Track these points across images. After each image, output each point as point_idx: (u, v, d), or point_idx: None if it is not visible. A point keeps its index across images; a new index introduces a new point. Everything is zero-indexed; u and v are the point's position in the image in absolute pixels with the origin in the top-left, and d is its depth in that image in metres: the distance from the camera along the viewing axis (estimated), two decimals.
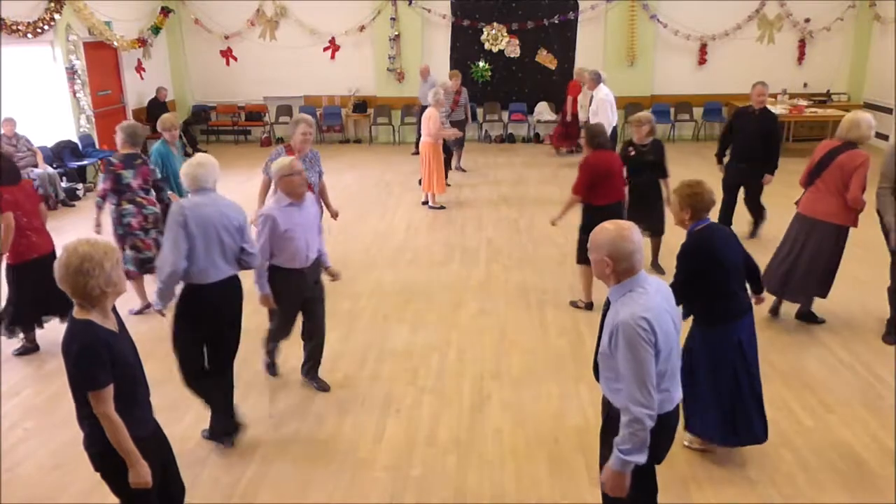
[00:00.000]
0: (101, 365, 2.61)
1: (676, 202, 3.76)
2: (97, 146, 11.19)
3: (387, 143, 14.22)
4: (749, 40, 13.39)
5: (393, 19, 13.36)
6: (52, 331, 5.93)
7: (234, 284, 4.19)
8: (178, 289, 4.05)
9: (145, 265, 6.02)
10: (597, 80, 9.24)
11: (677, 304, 3.17)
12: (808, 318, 5.76)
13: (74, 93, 10.88)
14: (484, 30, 13.50)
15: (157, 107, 12.86)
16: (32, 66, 10.32)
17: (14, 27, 9.50)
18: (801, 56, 13.49)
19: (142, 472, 2.73)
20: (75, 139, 10.86)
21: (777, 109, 12.42)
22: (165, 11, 13.37)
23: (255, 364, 5.30)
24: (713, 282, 3.72)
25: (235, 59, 14.05)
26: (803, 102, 12.78)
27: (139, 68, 12.98)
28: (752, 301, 4.02)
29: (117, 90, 12.50)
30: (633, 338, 2.58)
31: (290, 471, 4.05)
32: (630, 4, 13.07)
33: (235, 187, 10.76)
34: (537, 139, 13.86)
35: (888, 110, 12.27)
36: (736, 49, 13.36)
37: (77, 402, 2.73)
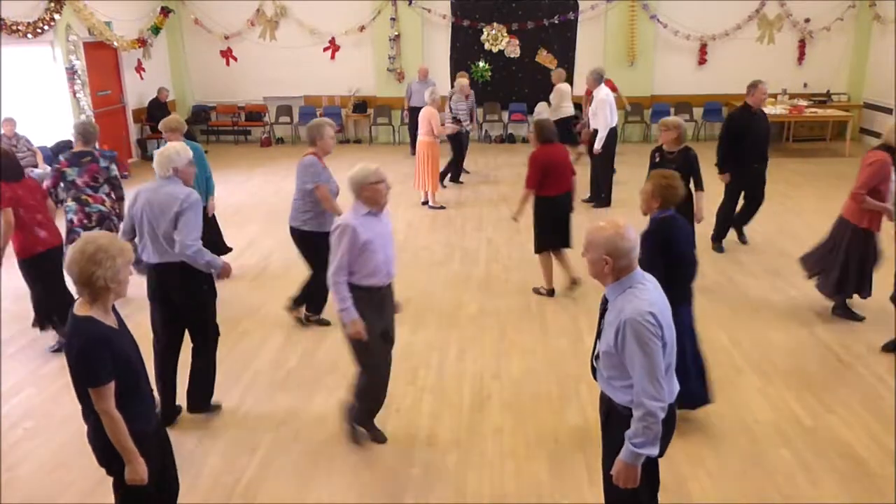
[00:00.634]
0: (101, 361, 2.63)
1: (649, 190, 4.03)
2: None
3: (387, 144, 14.22)
4: (749, 40, 13.39)
5: (393, 19, 13.37)
6: (53, 332, 5.94)
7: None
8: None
9: None
10: (598, 80, 9.23)
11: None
12: (844, 313, 5.81)
13: (74, 93, 10.88)
14: (484, 30, 13.50)
15: (157, 107, 12.88)
16: (32, 66, 10.33)
17: (14, 27, 9.51)
18: (801, 56, 13.48)
19: (138, 470, 2.75)
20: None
21: (777, 109, 12.43)
22: (165, 11, 13.37)
23: (255, 364, 5.31)
24: (670, 266, 3.90)
25: (235, 59, 14.06)
26: (803, 102, 12.78)
27: (139, 68, 12.99)
28: None
29: (117, 90, 12.51)
30: (642, 333, 2.61)
31: (290, 471, 4.05)
32: (630, 4, 13.07)
33: (235, 188, 10.77)
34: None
35: (888, 110, 12.26)
36: (736, 49, 13.36)
37: (80, 398, 2.74)
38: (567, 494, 3.78)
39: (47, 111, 10.53)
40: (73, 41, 10.82)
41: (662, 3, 13.21)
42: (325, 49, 13.85)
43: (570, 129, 11.08)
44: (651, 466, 2.95)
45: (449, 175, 10.56)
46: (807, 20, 13.21)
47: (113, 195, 6.06)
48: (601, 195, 9.28)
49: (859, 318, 5.76)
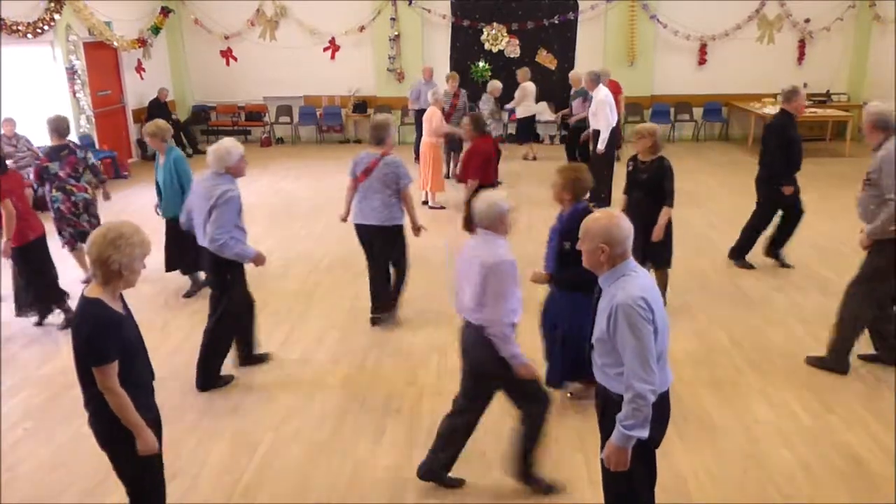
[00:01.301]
0: (108, 340, 2.70)
1: (559, 183, 4.27)
2: (97, 146, 11.19)
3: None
4: (749, 40, 13.39)
5: (393, 19, 13.37)
6: (53, 332, 5.94)
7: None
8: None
9: (85, 237, 6.34)
10: (596, 80, 9.23)
11: (566, 272, 4.18)
12: None
13: (74, 93, 10.89)
14: (484, 30, 13.50)
15: (157, 107, 12.89)
16: (32, 66, 10.33)
17: (14, 27, 9.51)
18: (801, 56, 13.49)
19: (148, 441, 2.82)
20: (75, 139, 10.85)
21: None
22: (165, 11, 13.37)
23: (253, 366, 5.31)
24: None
25: (235, 59, 14.06)
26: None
27: (139, 68, 12.99)
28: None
29: (117, 90, 12.51)
30: (633, 317, 2.65)
31: (290, 471, 4.05)
32: (630, 4, 13.07)
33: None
34: (537, 139, 13.86)
35: None
36: (736, 49, 13.36)
37: (83, 383, 2.79)
38: (567, 494, 3.78)
39: (47, 111, 10.49)
40: (73, 41, 10.82)
41: (662, 3, 13.21)
42: (325, 49, 13.85)
43: (532, 127, 11.74)
44: (648, 459, 2.96)
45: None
46: (807, 20, 13.21)
47: (95, 181, 6.59)
48: (601, 195, 9.28)
49: None
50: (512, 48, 13.63)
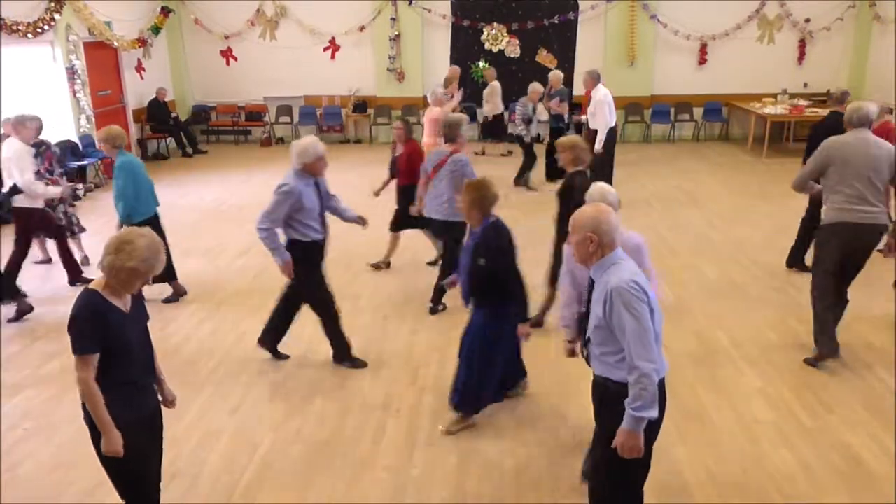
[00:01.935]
0: (88, 332, 2.70)
1: (467, 201, 4.19)
2: (97, 146, 11.18)
3: (387, 143, 14.15)
4: (749, 40, 13.39)
5: (393, 19, 13.36)
6: (53, 332, 5.94)
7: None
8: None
9: (60, 231, 6.86)
10: (596, 79, 9.23)
11: (482, 293, 4.18)
12: None
13: (74, 93, 10.88)
14: (484, 30, 13.50)
15: (156, 107, 12.90)
16: (32, 66, 10.32)
17: (14, 27, 9.50)
18: (801, 56, 13.49)
19: (112, 441, 2.79)
20: (75, 139, 10.86)
21: (777, 109, 12.43)
22: (165, 11, 13.37)
23: (255, 364, 5.31)
24: (496, 270, 4.10)
25: (235, 59, 14.06)
26: (803, 102, 12.78)
27: (139, 68, 12.99)
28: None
29: (117, 90, 12.50)
30: (629, 298, 2.72)
31: (290, 471, 4.05)
32: (630, 4, 13.07)
33: (235, 187, 10.78)
34: (537, 139, 13.86)
35: (888, 110, 12.24)
36: (736, 49, 13.36)
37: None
38: (567, 494, 3.78)
39: (47, 111, 10.50)
40: (73, 41, 10.82)
41: (662, 3, 13.21)
42: (325, 49, 13.85)
43: (503, 126, 11.96)
44: (646, 452, 2.95)
45: (523, 177, 10.50)
46: (807, 20, 13.21)
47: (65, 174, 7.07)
48: None
49: None
50: (512, 48, 13.63)
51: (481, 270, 4.12)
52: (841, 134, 5.84)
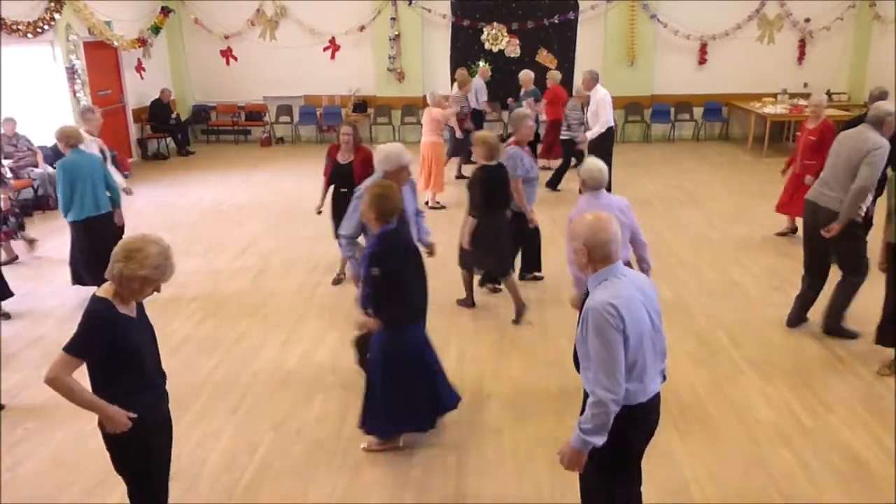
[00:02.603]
0: (89, 337, 2.69)
1: (366, 201, 3.85)
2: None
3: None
4: (749, 40, 13.39)
5: (393, 19, 13.36)
6: (54, 332, 5.94)
7: None
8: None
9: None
10: (595, 79, 9.23)
11: (376, 304, 3.81)
12: None
13: (74, 93, 10.88)
14: (484, 30, 13.50)
15: (160, 107, 12.94)
16: (32, 66, 10.32)
17: (14, 27, 9.50)
18: (801, 56, 13.48)
19: (113, 417, 2.76)
20: None
21: (777, 109, 12.43)
22: (165, 11, 13.37)
23: (255, 364, 5.30)
24: (393, 282, 3.80)
25: (235, 59, 14.06)
26: (803, 102, 12.75)
27: (139, 68, 12.99)
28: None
29: (117, 90, 12.50)
30: (601, 323, 2.59)
31: (290, 471, 4.05)
32: (630, 4, 13.06)
33: (235, 187, 10.77)
34: (537, 139, 13.85)
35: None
36: (736, 49, 13.36)
37: (92, 378, 2.80)
38: (567, 494, 3.78)
39: (47, 111, 10.53)
40: (73, 41, 10.81)
41: (662, 3, 13.21)
42: (325, 49, 13.85)
43: (481, 125, 11.57)
44: (627, 463, 2.96)
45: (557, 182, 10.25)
46: (807, 20, 13.21)
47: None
48: None
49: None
50: (512, 48, 13.63)
51: (375, 280, 3.79)
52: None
